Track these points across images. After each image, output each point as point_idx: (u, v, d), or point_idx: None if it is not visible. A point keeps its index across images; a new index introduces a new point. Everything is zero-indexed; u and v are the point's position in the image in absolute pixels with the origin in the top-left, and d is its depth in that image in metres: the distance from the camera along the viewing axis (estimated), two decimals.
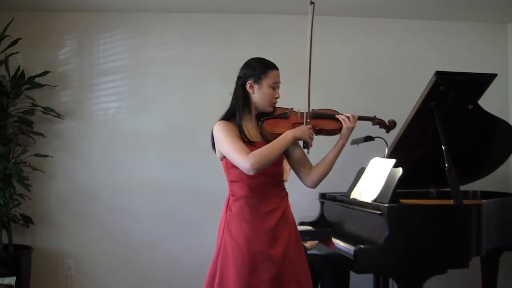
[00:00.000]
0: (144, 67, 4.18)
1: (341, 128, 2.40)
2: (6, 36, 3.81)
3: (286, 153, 2.41)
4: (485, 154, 3.49)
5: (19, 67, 3.98)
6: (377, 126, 2.74)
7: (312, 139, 2.30)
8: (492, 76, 3.22)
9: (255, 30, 4.24)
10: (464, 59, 4.32)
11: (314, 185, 2.41)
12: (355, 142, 3.46)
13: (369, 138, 3.41)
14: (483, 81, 3.25)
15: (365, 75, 4.33)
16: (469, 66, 4.03)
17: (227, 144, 2.22)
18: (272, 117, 2.38)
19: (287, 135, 2.24)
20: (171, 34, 4.21)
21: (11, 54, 3.87)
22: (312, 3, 2.34)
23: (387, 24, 4.38)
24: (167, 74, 4.19)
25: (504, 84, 4.44)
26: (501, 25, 4.50)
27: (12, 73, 3.92)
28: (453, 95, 3.12)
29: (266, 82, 2.31)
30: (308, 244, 3.09)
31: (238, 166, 2.18)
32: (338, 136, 2.42)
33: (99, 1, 3.91)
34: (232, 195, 2.34)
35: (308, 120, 2.35)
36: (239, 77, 2.36)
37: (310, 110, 2.40)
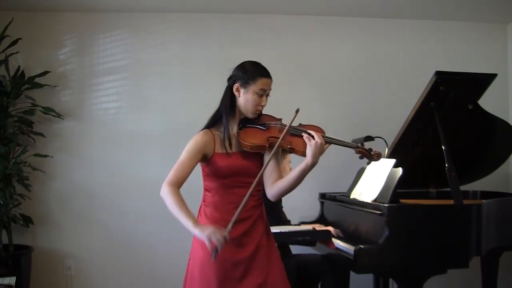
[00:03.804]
0: (144, 67, 4.18)
1: None
2: (6, 36, 3.81)
3: (260, 161, 2.30)
4: (485, 154, 3.49)
5: (19, 67, 3.98)
6: (359, 155, 2.40)
7: (216, 243, 1.97)
8: (492, 76, 3.22)
9: (255, 30, 4.24)
10: (464, 59, 4.32)
11: (273, 198, 2.28)
12: (355, 142, 3.46)
13: (369, 138, 3.40)
14: (483, 81, 3.25)
15: (365, 75, 4.33)
16: (469, 66, 4.03)
17: (179, 158, 2.22)
18: (252, 126, 2.28)
19: (190, 226, 2.04)
20: (171, 34, 4.21)
21: (11, 54, 3.87)
22: (297, 111, 2.17)
23: (387, 24, 4.37)
24: (167, 74, 4.19)
25: (504, 84, 4.44)
26: (501, 25, 4.50)
27: (12, 73, 3.92)
28: (453, 95, 3.12)
29: (252, 88, 2.23)
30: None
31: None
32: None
33: (99, 1, 3.91)
34: (203, 201, 2.33)
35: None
36: (229, 78, 2.31)
37: (298, 124, 2.27)
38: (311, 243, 3.23)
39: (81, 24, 4.13)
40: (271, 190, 2.26)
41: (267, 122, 2.29)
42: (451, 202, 2.98)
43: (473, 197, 3.67)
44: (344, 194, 3.42)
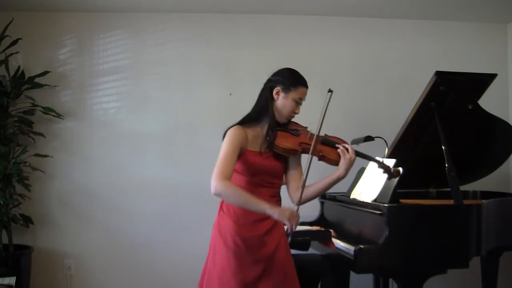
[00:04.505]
0: (144, 67, 4.18)
1: None
2: (6, 36, 3.81)
3: (285, 164, 2.42)
4: (485, 154, 3.48)
5: (19, 67, 3.98)
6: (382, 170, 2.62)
7: (293, 224, 2.14)
8: (492, 76, 3.22)
9: (255, 30, 4.24)
10: (464, 59, 4.32)
11: (300, 204, 2.36)
12: (355, 142, 3.46)
13: (369, 138, 3.41)
14: (483, 81, 3.25)
15: (365, 75, 4.33)
16: (469, 66, 4.02)
17: (222, 152, 2.25)
18: (284, 129, 2.39)
19: (265, 208, 2.15)
20: (171, 34, 4.21)
21: (11, 54, 3.87)
22: (330, 91, 2.34)
23: (387, 24, 4.37)
24: (167, 74, 4.19)
25: (504, 84, 4.44)
26: (501, 25, 4.50)
27: (12, 73, 3.93)
28: (453, 95, 3.11)
29: (292, 95, 2.34)
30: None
31: (212, 177, 2.19)
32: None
33: (99, 1, 3.91)
34: None
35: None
36: (269, 80, 2.40)
37: (323, 134, 2.41)
38: (304, 247, 3.21)
39: (81, 24, 4.13)
40: (296, 195, 2.34)
41: (297, 129, 2.41)
42: (451, 202, 2.98)
43: (473, 197, 3.67)
44: (344, 194, 3.42)
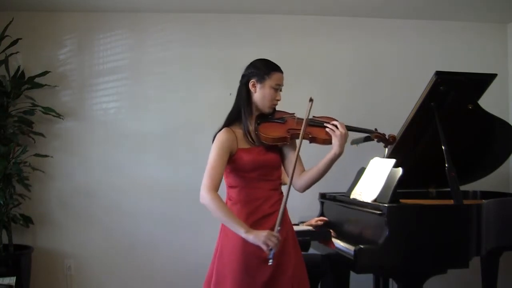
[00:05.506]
0: (144, 67, 4.18)
1: None
2: (6, 36, 3.81)
3: (281, 155, 2.42)
4: (485, 154, 3.49)
5: (19, 67, 3.98)
6: (376, 139, 2.62)
7: (270, 246, 2.11)
8: (492, 76, 3.22)
9: (255, 30, 4.24)
10: (464, 59, 4.32)
11: (302, 189, 2.39)
12: (355, 142, 3.45)
13: (369, 138, 3.39)
14: (483, 81, 3.25)
15: (365, 75, 4.33)
16: (469, 66, 4.03)
17: (209, 160, 2.26)
18: (269, 120, 2.38)
19: (242, 231, 2.15)
20: (171, 34, 4.21)
21: (11, 54, 3.87)
22: (311, 100, 2.31)
23: (387, 24, 4.37)
24: (167, 74, 4.19)
25: (504, 84, 4.44)
26: (501, 25, 4.50)
27: (12, 73, 3.93)
28: (453, 95, 3.12)
29: (268, 83, 2.33)
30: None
31: (201, 186, 2.21)
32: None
33: (99, 1, 3.91)
34: (229, 199, 2.36)
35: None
36: (243, 76, 2.39)
37: (311, 117, 2.39)
38: (304, 247, 3.20)
39: (81, 24, 4.13)
40: (299, 181, 2.37)
41: (283, 116, 2.40)
42: (451, 202, 2.98)
43: (473, 197, 3.67)
44: (344, 194, 3.42)
